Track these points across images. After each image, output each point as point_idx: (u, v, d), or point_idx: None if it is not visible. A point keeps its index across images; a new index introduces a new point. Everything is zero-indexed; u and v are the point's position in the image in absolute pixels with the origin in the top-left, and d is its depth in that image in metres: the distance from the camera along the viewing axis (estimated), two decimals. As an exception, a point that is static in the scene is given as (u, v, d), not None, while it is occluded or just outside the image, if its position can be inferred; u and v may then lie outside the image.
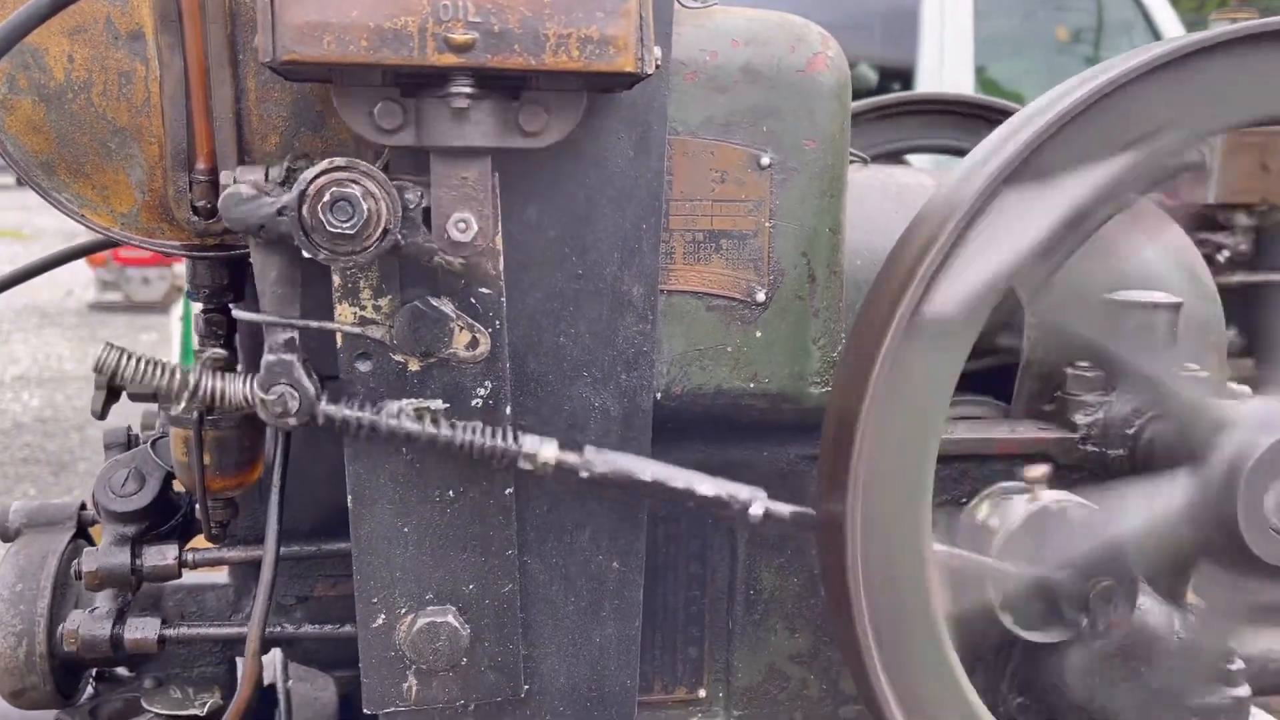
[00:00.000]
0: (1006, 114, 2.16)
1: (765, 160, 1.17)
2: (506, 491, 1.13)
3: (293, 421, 1.04)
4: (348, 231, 0.94)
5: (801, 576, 1.33)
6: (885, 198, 1.43)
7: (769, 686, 1.35)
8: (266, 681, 1.52)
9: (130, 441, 1.38)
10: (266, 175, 1.01)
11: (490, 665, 1.15)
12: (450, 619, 1.13)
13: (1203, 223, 3.11)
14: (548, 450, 1.09)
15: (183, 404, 1.05)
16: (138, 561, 1.27)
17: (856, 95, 1.35)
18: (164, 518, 1.32)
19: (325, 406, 1.04)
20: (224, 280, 1.15)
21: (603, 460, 1.10)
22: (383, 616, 1.13)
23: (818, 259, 1.20)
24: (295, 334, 1.04)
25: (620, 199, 1.11)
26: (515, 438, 1.08)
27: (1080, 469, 1.35)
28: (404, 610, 1.13)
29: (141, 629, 1.27)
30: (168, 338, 6.90)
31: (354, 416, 1.06)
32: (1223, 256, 2.99)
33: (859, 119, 2.01)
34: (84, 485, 4.63)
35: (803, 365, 1.21)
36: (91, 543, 1.49)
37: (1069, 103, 1.04)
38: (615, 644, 1.19)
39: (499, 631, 1.15)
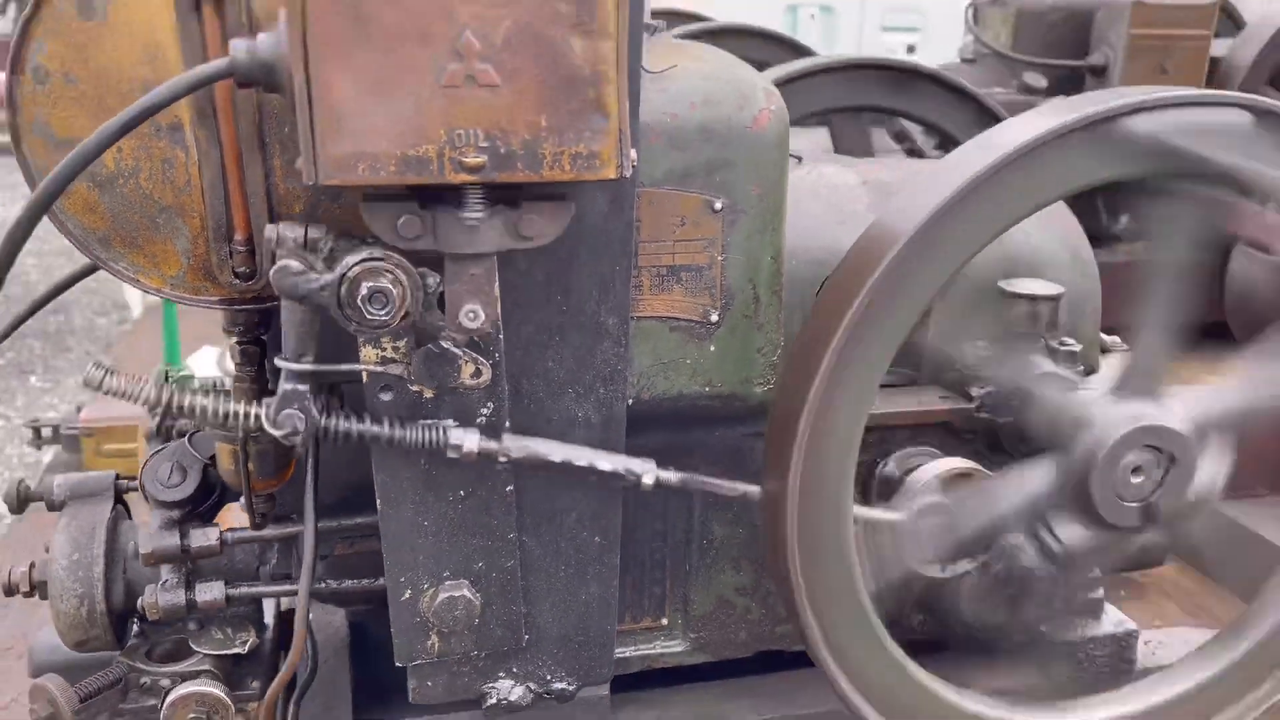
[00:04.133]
0: (919, 73, 2.34)
1: (718, 205, 1.37)
2: (508, 489, 1.37)
3: (298, 440, 1.25)
4: (382, 318, 1.14)
5: (745, 527, 1.61)
6: (816, 199, 1.64)
7: (719, 613, 1.65)
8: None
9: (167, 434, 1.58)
10: (306, 234, 1.18)
11: (497, 624, 1.42)
12: (465, 591, 1.38)
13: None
14: (470, 441, 1.30)
15: (157, 418, 1.25)
16: (185, 542, 1.49)
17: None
18: (203, 500, 1.54)
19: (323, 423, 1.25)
20: (255, 320, 1.33)
21: (519, 446, 1.31)
22: (409, 591, 1.38)
23: (761, 283, 1.42)
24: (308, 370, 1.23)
25: (597, 246, 1.31)
26: (445, 433, 1.29)
27: (975, 433, 1.62)
28: (426, 586, 1.38)
29: (210, 592, 1.50)
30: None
31: (341, 429, 1.26)
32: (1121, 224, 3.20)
33: (787, 85, 2.18)
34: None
35: (749, 371, 1.45)
36: (128, 509, 1.70)
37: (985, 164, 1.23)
38: (597, 600, 1.46)
39: (504, 597, 1.41)
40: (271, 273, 1.13)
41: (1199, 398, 1.44)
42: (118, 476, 1.69)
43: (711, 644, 1.66)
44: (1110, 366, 1.68)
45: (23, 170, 1.17)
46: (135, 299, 5.10)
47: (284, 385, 1.22)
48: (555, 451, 1.33)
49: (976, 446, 1.61)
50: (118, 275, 1.24)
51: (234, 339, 1.34)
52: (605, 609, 1.47)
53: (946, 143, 2.60)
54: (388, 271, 1.15)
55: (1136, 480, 1.40)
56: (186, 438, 1.53)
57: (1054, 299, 1.59)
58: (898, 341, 1.29)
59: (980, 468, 1.51)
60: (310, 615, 1.74)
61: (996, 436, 1.60)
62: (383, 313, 1.14)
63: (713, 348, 1.43)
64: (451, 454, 1.29)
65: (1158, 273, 1.37)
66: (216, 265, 1.23)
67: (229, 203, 1.21)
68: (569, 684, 1.49)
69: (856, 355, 1.26)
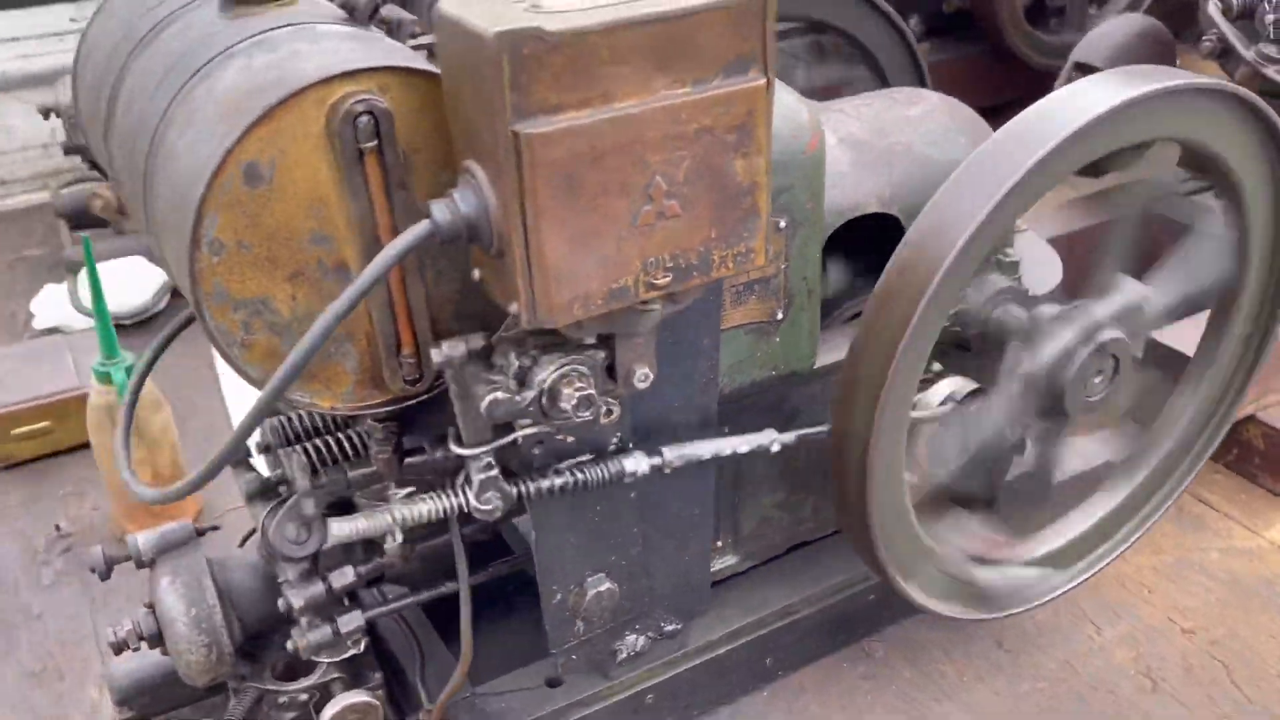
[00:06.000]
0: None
1: (782, 224, 1.55)
2: (632, 495, 1.58)
3: (499, 515, 1.41)
4: (587, 418, 1.29)
5: (776, 461, 1.88)
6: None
7: (761, 528, 1.95)
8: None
9: (267, 489, 1.65)
10: (468, 345, 1.29)
11: (627, 599, 1.66)
12: (606, 584, 1.61)
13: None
14: (642, 465, 1.52)
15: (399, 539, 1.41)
16: (327, 584, 1.60)
17: None
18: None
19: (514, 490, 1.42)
20: (398, 412, 1.43)
21: (676, 455, 1.55)
22: (560, 595, 1.59)
23: (811, 277, 1.64)
24: (493, 457, 1.38)
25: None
26: (622, 468, 1.50)
27: (948, 344, 1.94)
28: (573, 587, 1.60)
29: (353, 622, 1.63)
30: None
31: (532, 490, 1.44)
32: None
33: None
34: None
35: (805, 349, 1.69)
36: (208, 548, 1.78)
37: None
38: (697, 556, 1.73)
39: (631, 578, 1.65)
40: (484, 406, 1.26)
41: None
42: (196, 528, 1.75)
43: (756, 552, 1.97)
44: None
45: (209, 336, 1.20)
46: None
47: (477, 475, 1.36)
48: (705, 449, 1.54)
49: (947, 353, 1.92)
50: (295, 405, 1.30)
51: (380, 425, 1.43)
52: (702, 561, 1.74)
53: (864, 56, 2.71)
54: (577, 373, 1.29)
55: (1097, 380, 1.77)
56: (298, 496, 1.61)
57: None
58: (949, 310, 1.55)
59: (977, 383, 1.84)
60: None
61: (966, 345, 1.92)
62: (587, 413, 1.29)
63: (777, 339, 1.65)
64: (628, 480, 1.48)
65: (1116, 222, 1.68)
66: (388, 376, 1.32)
67: (396, 323, 1.29)
68: (677, 624, 1.77)
69: (926, 326, 1.51)
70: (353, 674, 1.77)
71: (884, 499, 1.62)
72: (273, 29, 1.27)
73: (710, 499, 1.69)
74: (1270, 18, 2.37)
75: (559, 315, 1.18)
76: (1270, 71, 2.39)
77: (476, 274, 1.25)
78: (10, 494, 2.59)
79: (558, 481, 1.44)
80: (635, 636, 1.73)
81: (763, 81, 1.19)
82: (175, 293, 3.32)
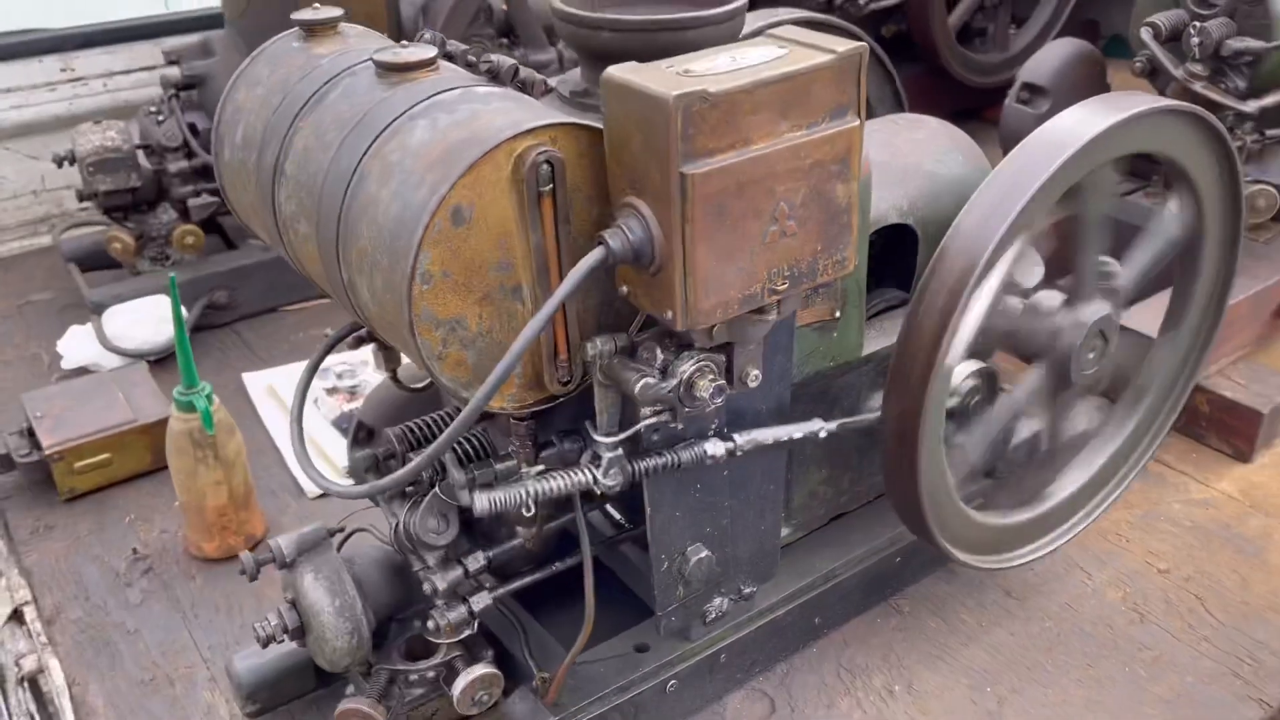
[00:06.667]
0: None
1: (842, 239, 1.84)
2: (724, 473, 1.85)
3: (616, 488, 1.67)
4: (720, 404, 1.56)
5: (822, 446, 2.17)
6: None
7: (809, 501, 2.24)
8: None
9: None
10: (615, 343, 1.55)
11: (718, 565, 1.93)
12: (703, 551, 1.88)
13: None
14: (718, 449, 1.79)
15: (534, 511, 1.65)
16: (465, 567, 1.83)
17: None
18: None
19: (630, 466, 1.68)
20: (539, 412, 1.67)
21: (747, 440, 1.82)
22: (668, 563, 1.85)
23: (860, 281, 1.93)
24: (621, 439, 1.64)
25: (778, 291, 1.75)
26: (705, 450, 1.77)
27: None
28: (678, 556, 1.86)
29: (483, 600, 1.86)
30: None
31: (641, 469, 1.70)
32: None
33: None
34: None
35: (856, 340, 1.98)
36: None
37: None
38: (770, 526, 2.00)
39: (721, 546, 1.92)
40: (637, 389, 1.51)
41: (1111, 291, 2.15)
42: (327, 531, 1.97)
43: (805, 524, 2.25)
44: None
45: (415, 352, 1.44)
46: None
47: (607, 454, 1.62)
48: (769, 435, 1.82)
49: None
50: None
51: (521, 423, 1.67)
52: (775, 530, 2.02)
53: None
54: (708, 367, 1.56)
55: (1090, 356, 2.10)
56: (435, 488, 1.84)
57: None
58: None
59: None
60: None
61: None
62: (720, 400, 1.56)
63: (835, 334, 1.94)
64: (709, 461, 1.75)
65: (1087, 221, 2.01)
66: (547, 379, 1.57)
67: (554, 333, 1.54)
68: (754, 587, 2.04)
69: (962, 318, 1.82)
70: (470, 652, 2.00)
71: (931, 467, 1.92)
72: (440, 93, 1.52)
73: (782, 476, 1.97)
74: (1195, 40, 2.76)
75: (705, 318, 1.45)
76: (1197, 87, 2.77)
77: (624, 290, 1.51)
78: (79, 524, 2.74)
79: (659, 461, 1.70)
80: (720, 599, 2.00)
81: (857, 123, 1.48)
82: (196, 328, 3.47)
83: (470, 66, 1.73)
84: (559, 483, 1.63)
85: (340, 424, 3.00)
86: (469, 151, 1.38)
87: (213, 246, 3.71)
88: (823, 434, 1.89)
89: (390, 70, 1.59)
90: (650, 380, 1.53)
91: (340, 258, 1.52)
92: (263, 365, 3.39)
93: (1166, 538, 2.62)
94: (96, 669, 2.32)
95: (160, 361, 3.37)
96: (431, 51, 1.62)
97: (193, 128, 3.45)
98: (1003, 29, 4.83)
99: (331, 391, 3.12)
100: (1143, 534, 2.63)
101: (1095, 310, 2.07)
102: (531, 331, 1.39)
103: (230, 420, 2.54)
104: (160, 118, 3.40)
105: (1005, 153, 1.88)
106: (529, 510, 1.66)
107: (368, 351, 3.02)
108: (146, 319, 3.34)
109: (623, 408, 1.65)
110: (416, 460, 1.50)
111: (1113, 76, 3.42)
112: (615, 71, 1.38)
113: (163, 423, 2.83)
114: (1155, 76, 2.93)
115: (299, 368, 3.34)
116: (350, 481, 2.00)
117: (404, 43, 1.68)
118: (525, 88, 1.63)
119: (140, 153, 3.44)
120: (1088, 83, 3.18)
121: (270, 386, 3.24)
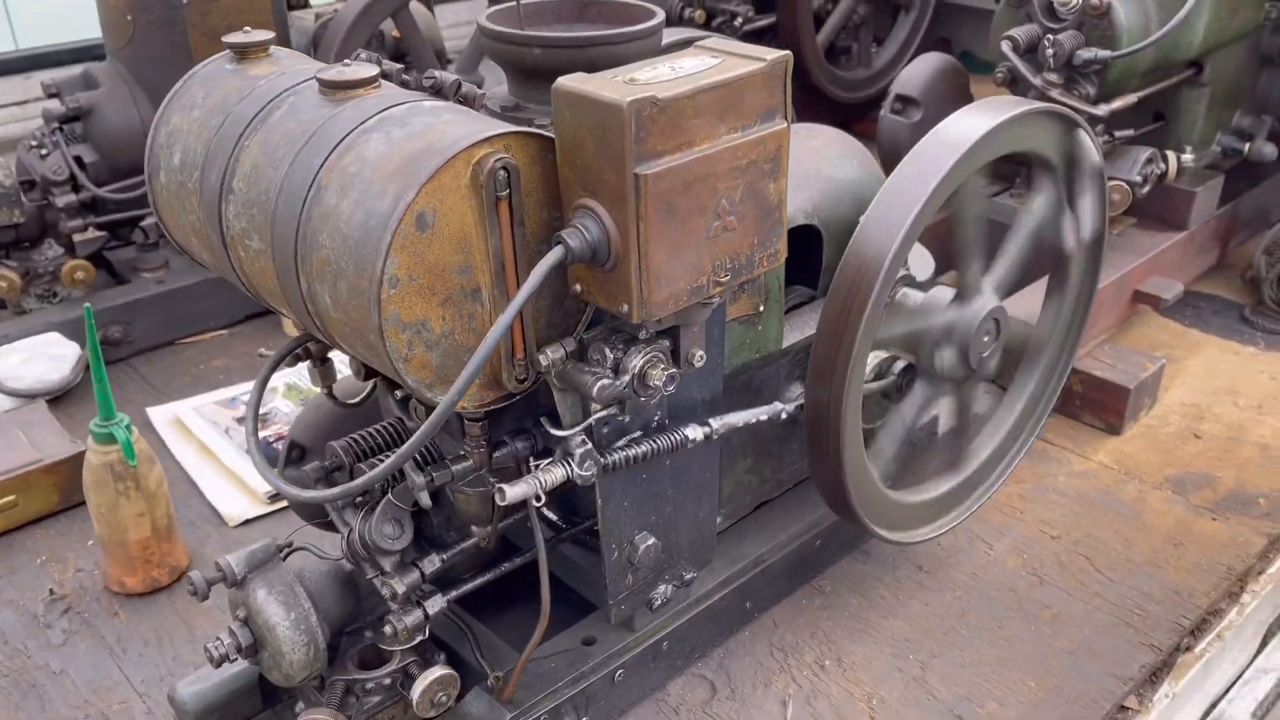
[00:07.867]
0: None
1: (762, 235, 1.96)
2: (668, 463, 1.94)
3: (593, 479, 1.75)
4: (671, 392, 1.65)
5: (746, 434, 2.29)
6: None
7: (736, 491, 2.35)
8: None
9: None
10: (565, 349, 1.64)
11: (662, 552, 2.02)
12: (650, 539, 1.97)
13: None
14: (699, 433, 1.90)
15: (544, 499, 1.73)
16: (421, 571, 1.87)
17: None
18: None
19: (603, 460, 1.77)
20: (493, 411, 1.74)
21: (720, 424, 1.94)
22: (618, 552, 1.94)
23: (780, 274, 2.06)
24: (582, 430, 1.73)
25: (709, 287, 1.87)
26: (685, 436, 1.87)
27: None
28: (627, 545, 1.94)
29: (436, 604, 1.91)
30: None
31: (617, 459, 1.79)
32: None
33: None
34: None
35: (775, 335, 2.11)
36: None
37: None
38: (706, 513, 2.11)
39: (665, 534, 2.01)
40: (595, 391, 1.60)
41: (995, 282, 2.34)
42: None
43: (732, 513, 2.37)
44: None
45: (382, 355, 1.49)
46: None
47: (578, 450, 1.70)
48: (739, 419, 1.94)
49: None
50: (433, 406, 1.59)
51: (475, 424, 1.74)
52: (711, 517, 2.12)
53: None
54: (658, 357, 1.65)
55: (986, 339, 2.28)
56: (389, 494, 1.88)
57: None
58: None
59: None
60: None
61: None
62: (672, 387, 1.66)
63: (760, 327, 2.06)
64: (689, 445, 1.85)
65: (966, 221, 2.19)
66: (505, 378, 1.64)
67: (512, 334, 1.62)
68: (693, 573, 2.14)
69: (880, 303, 1.96)
70: (422, 657, 2.04)
71: (852, 449, 2.06)
72: (389, 108, 1.58)
73: (716, 465, 2.08)
74: (1049, 51, 3.01)
75: (659, 309, 1.55)
76: (1054, 94, 3.02)
77: (578, 288, 1.60)
78: (-12, 569, 2.66)
79: (639, 450, 1.80)
80: (665, 586, 2.09)
81: (785, 124, 1.61)
82: (87, 367, 3.39)
83: (405, 85, 1.80)
84: (558, 473, 1.71)
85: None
86: (430, 160, 1.44)
87: (101, 282, 3.63)
88: (784, 416, 2.02)
89: (335, 88, 1.65)
90: (605, 381, 1.62)
91: (299, 268, 1.56)
92: (164, 399, 3.34)
93: (1055, 507, 2.83)
94: (25, 711, 2.26)
95: (56, 400, 3.28)
96: (374, 70, 1.68)
97: (79, 160, 3.38)
98: (865, 47, 5.11)
99: (242, 420, 3.10)
100: (1034, 505, 2.84)
101: (986, 302, 2.25)
102: (500, 329, 1.46)
103: (150, 451, 2.52)
104: (44, 151, 3.32)
105: (883, 159, 2.06)
106: (539, 500, 1.72)
107: (277, 379, 3.02)
108: (38, 357, 3.25)
109: (583, 404, 1.74)
110: (389, 460, 1.55)
111: (973, 88, 3.69)
112: (566, 82, 1.48)
113: (70, 460, 2.78)
114: (1015, 85, 3.18)
115: (205, 399, 3.31)
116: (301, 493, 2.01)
117: (346, 61, 1.73)
118: (467, 101, 1.71)
119: (21, 188, 3.35)
120: (954, 93, 3.41)
121: (177, 419, 3.19)
